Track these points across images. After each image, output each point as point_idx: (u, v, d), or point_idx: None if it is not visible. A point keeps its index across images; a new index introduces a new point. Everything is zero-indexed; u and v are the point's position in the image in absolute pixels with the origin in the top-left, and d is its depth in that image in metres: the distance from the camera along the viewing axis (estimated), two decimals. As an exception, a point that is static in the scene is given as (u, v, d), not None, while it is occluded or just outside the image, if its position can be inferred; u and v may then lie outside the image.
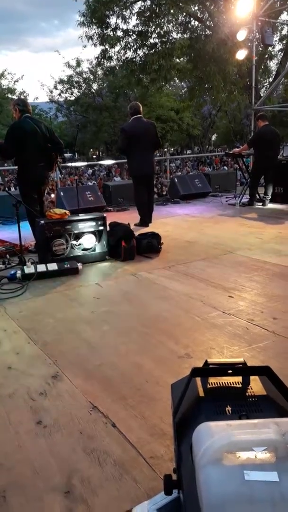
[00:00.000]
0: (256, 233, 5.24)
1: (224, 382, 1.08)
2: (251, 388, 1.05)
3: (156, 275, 3.73)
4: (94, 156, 39.05)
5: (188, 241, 4.96)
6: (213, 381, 1.08)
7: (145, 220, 5.99)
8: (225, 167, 21.51)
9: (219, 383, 1.08)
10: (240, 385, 1.07)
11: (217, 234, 5.30)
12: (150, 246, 4.41)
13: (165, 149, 33.19)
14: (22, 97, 22.74)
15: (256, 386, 1.06)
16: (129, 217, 6.30)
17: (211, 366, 1.09)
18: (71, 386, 2.06)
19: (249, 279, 3.52)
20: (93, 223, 4.28)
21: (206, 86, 14.39)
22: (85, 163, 24.18)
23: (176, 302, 3.08)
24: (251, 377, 1.09)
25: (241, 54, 9.49)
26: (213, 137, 37.36)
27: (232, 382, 1.08)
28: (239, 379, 1.08)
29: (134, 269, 3.95)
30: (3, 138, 4.68)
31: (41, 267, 3.87)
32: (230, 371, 1.06)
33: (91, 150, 38.54)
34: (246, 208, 7.23)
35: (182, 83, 21.76)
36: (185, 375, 1.19)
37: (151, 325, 2.70)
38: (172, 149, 39.11)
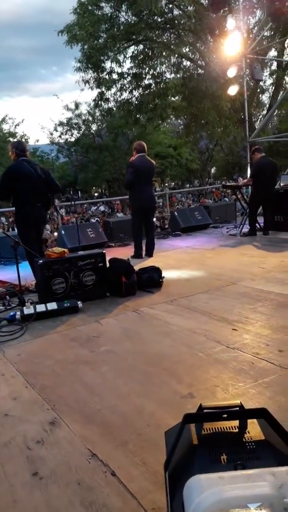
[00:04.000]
0: (259, 262, 5.20)
1: (220, 427, 1.01)
2: (249, 433, 0.98)
3: (158, 310, 3.66)
4: (97, 194, 39.73)
5: (190, 274, 4.91)
6: (209, 426, 1.02)
7: (140, 252, 6.24)
8: (226, 199, 21.72)
9: (215, 428, 1.01)
10: (237, 430, 1.00)
11: (219, 265, 5.26)
12: (151, 280, 4.37)
13: (166, 184, 33.79)
14: (22, 140, 23.35)
15: (254, 429, 0.99)
16: (131, 252, 6.31)
17: (205, 410, 1.02)
18: (69, 433, 1.97)
19: (253, 310, 3.44)
20: (93, 260, 4.26)
21: (201, 122, 14.75)
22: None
23: (178, 338, 3.00)
24: (250, 420, 1.03)
25: (232, 90, 9.79)
26: (213, 170, 38.01)
27: (229, 427, 1.01)
28: (236, 423, 1.02)
29: (135, 305, 3.89)
30: None
31: (41, 307, 3.82)
32: (225, 415, 1.00)
33: (94, 188, 39.26)
34: (247, 238, 7.22)
35: (179, 121, 22.34)
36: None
37: (153, 363, 2.62)
38: (173, 184, 39.77)
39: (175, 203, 23.17)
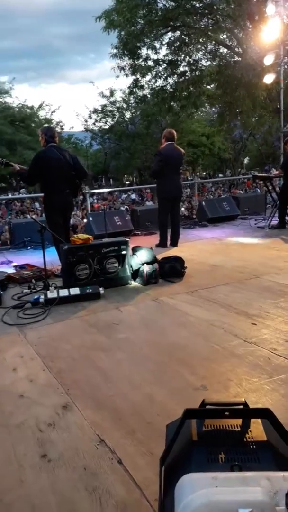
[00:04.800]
0: (285, 256, 5.05)
1: (222, 425, 0.98)
2: (251, 432, 0.95)
3: (178, 300, 3.63)
4: (128, 182, 39.71)
5: (213, 265, 4.84)
6: (210, 423, 0.99)
7: (165, 242, 6.19)
8: (258, 189, 21.24)
9: (216, 425, 0.98)
10: (239, 428, 0.97)
11: (244, 257, 5.15)
12: (173, 270, 4.33)
13: (197, 173, 33.36)
14: (51, 125, 23.55)
15: (256, 429, 0.96)
16: (156, 241, 6.29)
17: (207, 406, 1.00)
18: (80, 417, 1.99)
19: (274, 305, 3.36)
20: (116, 248, 4.26)
21: (236, 111, 14.41)
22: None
23: (196, 329, 2.96)
24: (254, 419, 0.99)
25: (269, 78, 9.49)
26: (246, 160, 37.20)
27: (231, 425, 0.98)
28: (239, 421, 0.99)
29: (155, 294, 3.87)
30: None
31: (64, 292, 3.86)
32: (227, 413, 0.96)
33: (125, 176, 39.24)
34: (275, 231, 7.04)
35: (213, 109, 21.89)
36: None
37: (168, 353, 2.61)
38: (204, 173, 39.24)
39: (205, 192, 22.88)
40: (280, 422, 0.91)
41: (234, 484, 0.72)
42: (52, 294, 3.85)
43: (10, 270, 5.16)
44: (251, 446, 0.90)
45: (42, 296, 3.82)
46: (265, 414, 0.94)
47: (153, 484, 1.53)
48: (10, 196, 25.66)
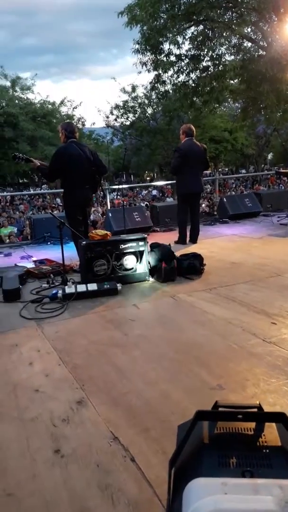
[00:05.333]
0: (308, 255, 4.94)
1: (235, 428, 0.95)
2: (264, 437, 0.91)
3: (196, 298, 3.59)
4: (148, 178, 39.67)
5: (233, 263, 4.77)
6: (223, 425, 0.96)
7: (184, 238, 6.15)
8: (282, 186, 20.89)
9: (229, 428, 0.95)
10: (253, 432, 0.93)
11: (265, 255, 5.06)
12: (192, 267, 4.28)
13: (219, 169, 33.03)
14: (76, 123, 23.68)
15: (270, 434, 0.92)
16: (175, 237, 6.24)
17: (220, 409, 0.96)
18: (95, 414, 1.98)
19: (296, 304, 3.28)
20: (134, 244, 4.24)
21: (260, 105, 14.16)
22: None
23: (213, 328, 2.92)
24: (268, 423, 0.95)
25: (294, 72, 9.26)
26: (269, 156, 36.62)
27: (244, 429, 0.95)
28: (252, 425, 0.95)
29: (173, 291, 3.84)
30: None
31: (81, 287, 3.87)
32: (240, 416, 0.93)
33: (146, 172, 39.22)
34: (299, 229, 6.90)
35: (236, 104, 21.57)
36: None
37: (184, 351, 2.57)
38: (227, 169, 38.85)
39: (227, 189, 22.65)
40: (295, 427, 0.87)
41: (244, 491, 0.68)
42: (70, 289, 3.86)
43: (30, 265, 5.21)
44: (264, 451, 0.86)
45: (60, 291, 3.84)
46: (280, 418, 0.90)
47: (166, 483, 1.49)
48: (32, 191, 26.03)
